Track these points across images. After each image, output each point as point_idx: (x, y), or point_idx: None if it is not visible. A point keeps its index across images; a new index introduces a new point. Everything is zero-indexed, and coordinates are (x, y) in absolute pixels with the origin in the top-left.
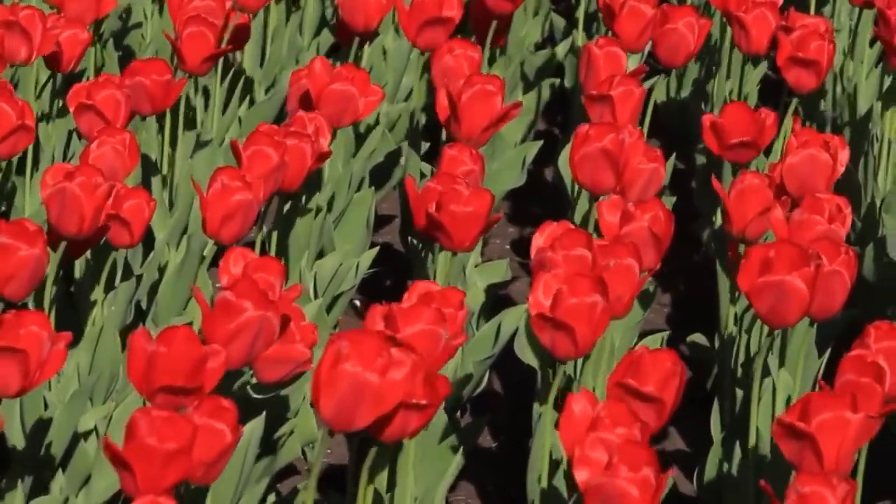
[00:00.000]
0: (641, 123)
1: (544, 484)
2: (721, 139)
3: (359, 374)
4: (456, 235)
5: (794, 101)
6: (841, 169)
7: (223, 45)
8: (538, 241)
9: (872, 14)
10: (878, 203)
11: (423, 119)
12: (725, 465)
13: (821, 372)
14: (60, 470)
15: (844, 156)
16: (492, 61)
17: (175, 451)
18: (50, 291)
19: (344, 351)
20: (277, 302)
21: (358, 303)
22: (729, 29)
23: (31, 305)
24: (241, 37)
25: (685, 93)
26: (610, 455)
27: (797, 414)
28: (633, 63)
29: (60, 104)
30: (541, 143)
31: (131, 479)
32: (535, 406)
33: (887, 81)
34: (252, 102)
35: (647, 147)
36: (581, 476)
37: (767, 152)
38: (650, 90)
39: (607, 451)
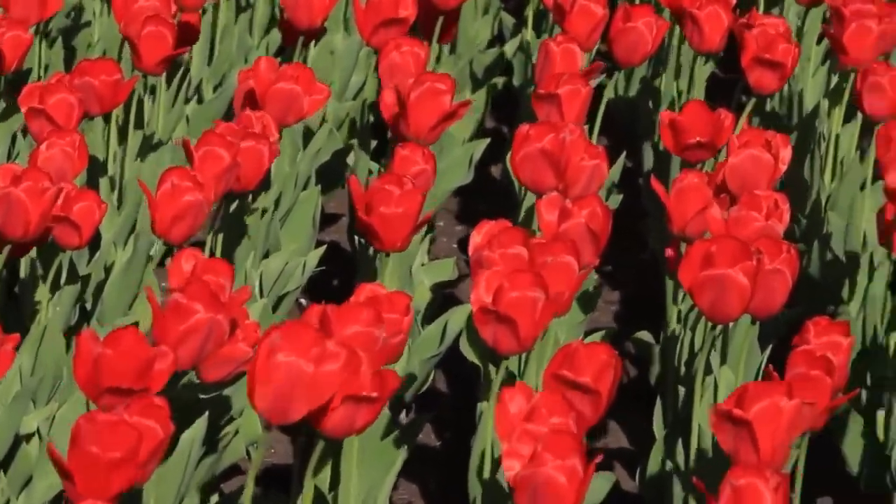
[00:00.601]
0: (593, 122)
1: (486, 481)
2: (678, 138)
3: (292, 363)
4: (386, 236)
5: (752, 102)
6: (783, 168)
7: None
8: (475, 239)
9: (820, 13)
10: (823, 201)
11: (371, 117)
12: (668, 463)
13: (762, 369)
14: (1, 471)
15: (786, 154)
16: (441, 59)
17: (119, 460)
18: None
19: (277, 342)
20: (228, 304)
21: (304, 302)
22: (677, 27)
23: None
24: (190, 36)
25: (633, 91)
26: (537, 446)
27: (733, 403)
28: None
29: (4, 104)
30: (488, 140)
31: (73, 488)
32: (479, 404)
33: (833, 80)
34: (200, 101)
35: (588, 144)
36: (509, 469)
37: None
38: (602, 88)
39: (535, 442)
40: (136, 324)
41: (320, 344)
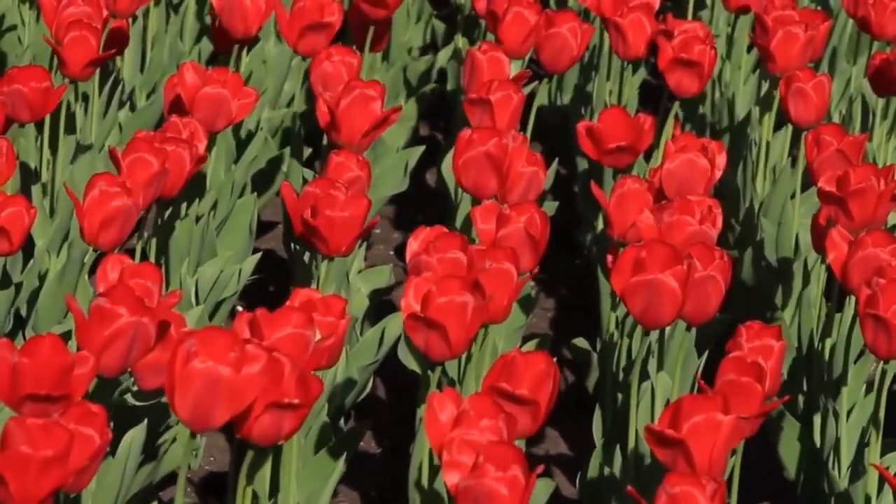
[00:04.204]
0: (524, 128)
1: (425, 489)
2: (598, 144)
3: (210, 369)
4: (332, 240)
5: (675, 105)
6: (718, 173)
7: (103, 50)
8: (413, 245)
9: (749, 20)
10: (756, 207)
11: (304, 125)
12: (606, 469)
13: (698, 375)
14: None
15: (722, 160)
16: (374, 67)
17: (51, 459)
18: None
19: (192, 348)
20: (154, 308)
21: (240, 309)
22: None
23: None
24: (119, 42)
25: (566, 98)
26: (477, 456)
27: (669, 417)
28: (515, 68)
29: None
30: (423, 148)
31: (5, 489)
32: (418, 411)
33: (764, 87)
34: (133, 108)
35: (529, 152)
36: (450, 479)
37: (648, 157)
38: (533, 95)
39: (474, 452)
40: (71, 332)
41: (238, 348)
